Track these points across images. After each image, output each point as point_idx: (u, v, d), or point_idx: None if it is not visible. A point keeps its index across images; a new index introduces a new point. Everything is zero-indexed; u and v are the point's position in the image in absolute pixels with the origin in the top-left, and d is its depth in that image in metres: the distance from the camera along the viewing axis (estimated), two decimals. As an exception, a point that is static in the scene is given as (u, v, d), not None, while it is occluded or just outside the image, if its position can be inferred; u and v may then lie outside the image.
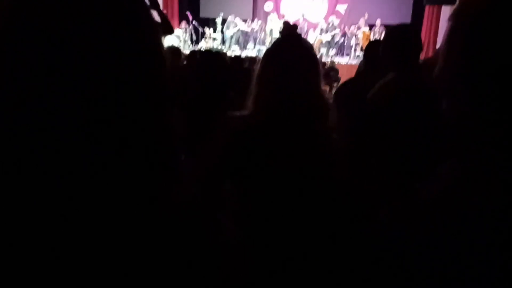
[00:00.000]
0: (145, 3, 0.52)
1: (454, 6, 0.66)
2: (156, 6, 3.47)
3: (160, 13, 3.46)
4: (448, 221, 0.63)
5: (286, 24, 1.28)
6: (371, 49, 2.65)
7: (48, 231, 0.43)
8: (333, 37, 13.83)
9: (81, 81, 0.43)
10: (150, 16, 0.52)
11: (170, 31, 3.53)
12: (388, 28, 2.37)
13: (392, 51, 2.16)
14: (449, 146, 0.69)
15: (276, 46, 1.30)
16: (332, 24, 13.95)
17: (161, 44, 0.53)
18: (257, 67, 1.33)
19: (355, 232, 1.12)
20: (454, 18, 0.63)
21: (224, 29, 14.85)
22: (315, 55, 1.29)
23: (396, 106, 1.86)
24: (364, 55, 2.77)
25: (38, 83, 0.42)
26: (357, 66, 4.06)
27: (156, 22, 0.56)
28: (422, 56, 2.58)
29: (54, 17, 0.43)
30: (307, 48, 1.28)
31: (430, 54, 9.85)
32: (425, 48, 8.13)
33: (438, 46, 11.08)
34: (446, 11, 12.15)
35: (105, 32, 0.45)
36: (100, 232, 0.45)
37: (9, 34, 0.43)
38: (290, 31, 1.28)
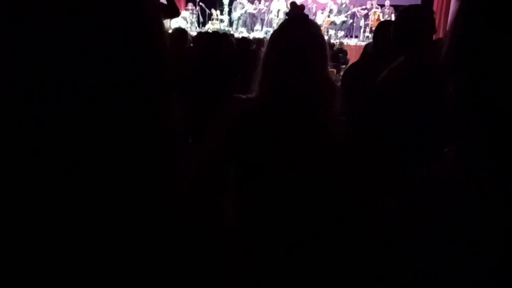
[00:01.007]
0: None
1: None
2: (162, -13, 3.43)
3: (166, -6, 3.42)
4: (449, 207, 0.63)
5: (293, 4, 1.26)
6: (381, 30, 2.60)
7: (48, 230, 0.43)
8: (345, 18, 13.64)
9: (79, 71, 0.43)
10: (151, 2, 0.51)
11: (177, 13, 3.49)
12: (401, 9, 2.30)
13: (404, 33, 2.10)
14: (451, 131, 0.68)
15: (282, 28, 1.27)
16: (346, 5, 13.72)
17: (162, 32, 0.52)
18: (263, 48, 1.31)
19: (358, 219, 1.12)
20: None
21: (231, 11, 14.68)
22: (322, 37, 1.27)
23: (404, 90, 1.83)
24: (374, 36, 2.71)
25: (34, 77, 0.41)
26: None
27: (159, 4, 0.55)
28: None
29: (50, 5, 0.42)
30: (314, 30, 1.26)
31: (441, 35, 9.67)
32: (435, 29, 7.95)
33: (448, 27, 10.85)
34: (457, -10, 11.85)
35: (104, 21, 0.44)
36: (103, 225, 0.45)
37: (8, 33, 0.42)
38: (297, 12, 1.25)
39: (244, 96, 1.28)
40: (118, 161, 0.46)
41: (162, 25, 0.53)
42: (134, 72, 0.47)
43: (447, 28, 0.76)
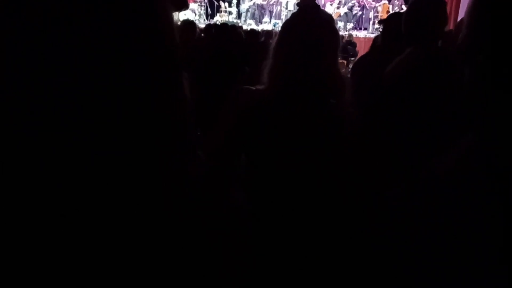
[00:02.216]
0: None
1: None
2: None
3: (175, -14, 3.41)
4: (462, 198, 0.63)
5: (303, -7, 1.25)
6: (391, 21, 2.57)
7: (52, 229, 0.43)
8: (351, 10, 13.50)
9: (88, 64, 0.43)
10: None
11: (186, 6, 3.48)
12: (412, 0, 2.27)
13: (416, 24, 2.08)
14: (466, 120, 0.68)
15: (294, 18, 1.27)
16: (350, -4, 13.62)
17: (172, 24, 0.52)
18: (273, 41, 1.31)
19: (367, 209, 1.12)
20: None
21: (239, 3, 14.61)
22: (334, 27, 1.26)
23: (413, 80, 1.82)
24: (383, 28, 2.68)
25: (38, 73, 0.42)
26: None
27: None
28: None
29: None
30: (326, 20, 1.25)
31: (452, 26, 9.54)
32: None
33: (460, 18, 10.72)
34: (469, -18, 11.66)
35: (112, 11, 0.44)
36: (109, 218, 0.45)
37: (9, 32, 0.42)
38: (308, 3, 1.25)
39: (253, 88, 1.28)
40: (128, 151, 0.46)
41: (171, 17, 0.53)
42: (145, 64, 0.47)
43: (465, 15, 0.75)
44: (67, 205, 0.43)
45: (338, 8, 13.62)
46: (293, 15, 1.28)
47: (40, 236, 0.43)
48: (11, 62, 0.42)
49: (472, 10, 0.62)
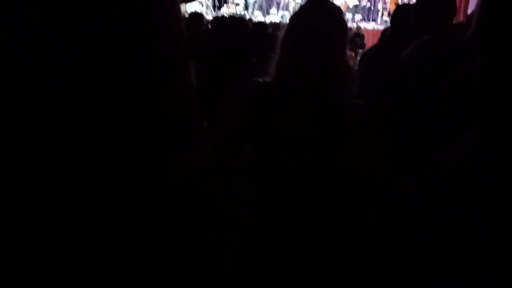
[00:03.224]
0: None
1: None
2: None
3: (182, -22, 3.41)
4: (470, 191, 0.62)
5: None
6: (400, 13, 2.55)
7: (55, 228, 0.43)
8: (360, 1, 13.38)
9: (90, 53, 0.43)
10: None
11: (193, -3, 3.48)
12: None
13: (426, 15, 2.07)
14: (477, 111, 0.67)
15: (302, 9, 1.27)
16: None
17: (179, 17, 0.52)
18: (281, 33, 1.31)
19: (375, 201, 1.12)
20: None
21: (247, -6, 14.54)
22: (342, 19, 1.26)
23: (428, 68, 1.79)
24: (392, 20, 2.66)
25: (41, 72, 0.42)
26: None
27: None
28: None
29: None
30: (335, 12, 1.25)
31: (461, 19, 9.42)
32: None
33: (469, 11, 10.58)
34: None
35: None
36: (111, 212, 0.45)
37: (9, 32, 0.42)
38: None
39: (261, 79, 1.28)
40: (130, 148, 0.46)
41: (178, 8, 0.53)
42: (150, 56, 0.47)
43: (475, 8, 0.74)
44: (67, 204, 0.43)
45: (346, 1, 13.49)
46: (302, 7, 1.28)
47: (40, 235, 0.42)
48: (11, 62, 0.42)
49: (482, 3, 0.62)
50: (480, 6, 0.62)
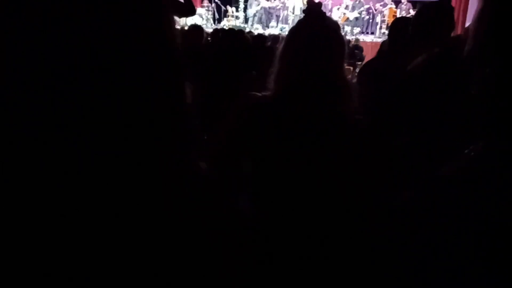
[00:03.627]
0: None
1: None
2: (180, -13, 3.45)
3: (184, -6, 3.44)
4: (470, 202, 0.62)
5: (310, 1, 1.26)
6: (397, 26, 2.57)
7: (56, 229, 0.43)
8: (360, 13, 13.51)
9: (88, 64, 0.43)
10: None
11: (193, 12, 3.51)
12: (422, 5, 2.29)
13: (425, 28, 2.09)
14: (476, 127, 0.68)
15: (299, 25, 1.28)
16: (360, 1, 13.59)
17: (172, 28, 0.52)
18: (280, 45, 1.31)
19: (374, 214, 1.12)
20: None
21: (246, 7, 14.68)
22: (340, 35, 1.27)
23: (438, 79, 1.77)
24: (389, 33, 2.68)
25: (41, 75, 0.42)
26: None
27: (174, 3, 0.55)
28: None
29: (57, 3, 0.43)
30: (332, 27, 1.26)
31: (459, 31, 9.49)
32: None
33: (467, 23, 10.68)
34: (477, -14, 11.63)
35: (109, 17, 0.45)
36: (111, 220, 0.45)
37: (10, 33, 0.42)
38: (314, 10, 1.25)
39: (259, 94, 1.29)
40: (128, 154, 0.46)
41: (172, 21, 0.53)
42: (146, 69, 0.47)
43: (472, 24, 0.74)
44: (68, 204, 0.43)
45: (344, 13, 13.62)
46: (299, 21, 1.29)
47: (40, 235, 0.43)
48: (12, 62, 0.42)
49: (478, 22, 0.62)
50: (475, 27, 0.63)
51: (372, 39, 12.58)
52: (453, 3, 12.25)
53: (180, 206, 0.50)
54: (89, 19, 0.43)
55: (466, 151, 0.70)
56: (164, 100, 0.50)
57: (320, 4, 1.30)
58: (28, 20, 0.42)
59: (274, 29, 13.66)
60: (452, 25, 2.17)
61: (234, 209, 0.59)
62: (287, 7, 14.26)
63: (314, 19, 1.25)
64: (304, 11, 1.27)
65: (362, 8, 13.48)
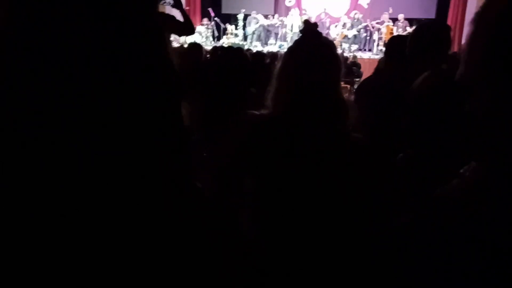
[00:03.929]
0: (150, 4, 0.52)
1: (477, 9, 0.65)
2: (179, 6, 3.51)
3: (183, 13, 3.49)
4: (468, 224, 0.63)
5: (306, 22, 1.29)
6: (393, 44, 2.60)
7: (53, 229, 0.43)
8: (359, 32, 13.65)
9: (85, 80, 0.43)
10: (153, 16, 0.52)
11: (192, 31, 3.56)
12: (420, 24, 2.33)
13: (423, 47, 2.12)
14: (472, 148, 0.68)
15: (296, 45, 1.30)
16: (358, 19, 13.76)
17: (165, 44, 0.53)
18: (276, 65, 1.33)
19: (372, 233, 1.12)
20: (475, 22, 0.63)
21: (245, 25, 14.85)
22: (336, 54, 1.29)
23: (444, 98, 1.76)
24: (386, 51, 2.71)
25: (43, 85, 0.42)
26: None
27: (165, 21, 0.56)
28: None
29: (55, 19, 0.43)
30: (328, 47, 1.28)
31: (455, 49, 9.58)
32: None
33: (463, 41, 10.78)
34: (472, 4, 11.82)
35: (107, 34, 0.45)
36: (113, 222, 0.45)
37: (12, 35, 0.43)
38: (310, 30, 1.28)
39: (258, 112, 1.30)
40: (134, 172, 0.47)
41: (166, 40, 0.54)
42: (142, 90, 0.48)
43: (463, 48, 0.75)
44: (68, 204, 0.43)
45: (343, 29, 13.77)
46: (296, 42, 1.31)
47: (40, 235, 0.43)
48: (12, 63, 0.42)
49: (469, 46, 0.63)
50: (467, 50, 0.64)
51: (370, 56, 12.69)
52: (449, 21, 12.37)
53: (177, 226, 0.50)
54: (84, 46, 0.44)
55: (461, 170, 0.71)
56: (160, 122, 0.50)
57: (316, 24, 1.32)
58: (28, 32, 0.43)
59: (272, 47, 13.79)
60: (449, 43, 2.20)
61: (234, 228, 0.60)
62: (286, 25, 14.42)
63: (311, 39, 1.27)
64: (301, 31, 1.30)
65: (360, 26, 13.63)
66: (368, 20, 13.93)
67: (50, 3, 0.43)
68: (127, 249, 0.46)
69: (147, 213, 0.48)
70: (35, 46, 0.42)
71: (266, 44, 14.53)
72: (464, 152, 0.73)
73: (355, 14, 14.02)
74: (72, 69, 0.44)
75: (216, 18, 14.73)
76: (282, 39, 14.36)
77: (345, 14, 14.61)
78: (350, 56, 11.17)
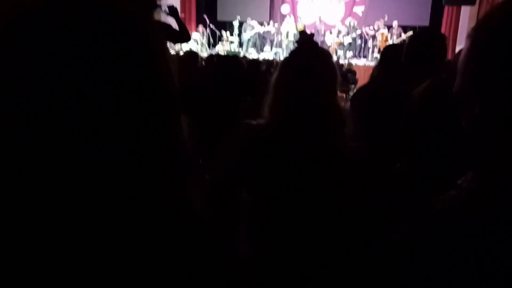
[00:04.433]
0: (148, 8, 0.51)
1: (473, 25, 0.66)
2: (175, 14, 3.52)
3: (178, 21, 3.50)
4: (464, 234, 0.63)
5: (302, 33, 1.29)
6: (388, 53, 2.62)
7: (50, 235, 0.43)
8: (354, 39, 13.74)
9: (81, 85, 0.43)
10: (151, 22, 0.52)
11: (188, 38, 3.57)
12: (416, 33, 2.35)
13: (419, 55, 2.13)
14: (468, 158, 0.68)
15: (292, 55, 1.30)
16: (354, 26, 13.86)
17: (164, 48, 0.53)
18: (274, 71, 1.33)
19: (371, 245, 1.11)
20: (472, 37, 0.63)
21: (241, 32, 14.92)
22: (332, 64, 1.29)
23: (446, 107, 1.75)
24: (381, 60, 2.73)
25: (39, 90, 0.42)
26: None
27: (169, 30, 0.55)
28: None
29: (53, 25, 0.43)
30: (324, 57, 1.28)
31: (450, 56, 9.65)
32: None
33: (457, 48, 10.87)
34: (465, 12, 11.94)
35: (102, 40, 0.45)
36: (106, 237, 0.45)
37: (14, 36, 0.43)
38: (306, 40, 1.28)
39: (254, 122, 1.30)
40: (130, 182, 0.47)
41: (166, 50, 0.54)
42: (141, 95, 0.48)
43: (459, 62, 0.75)
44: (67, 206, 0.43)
45: (337, 36, 13.85)
46: (291, 52, 1.31)
47: (40, 236, 0.42)
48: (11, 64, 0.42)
49: (465, 61, 0.64)
50: (463, 64, 0.64)
51: (365, 63, 12.77)
52: (443, 29, 12.48)
53: (175, 244, 0.50)
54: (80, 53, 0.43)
55: (459, 181, 0.70)
56: (161, 136, 0.50)
57: (312, 34, 1.33)
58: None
59: (268, 53, 13.85)
60: (445, 51, 2.22)
61: (229, 247, 0.59)
62: (281, 32, 14.50)
63: (306, 49, 1.27)
64: (297, 41, 1.30)
65: (354, 34, 13.73)
66: (363, 27, 14.03)
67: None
68: (118, 267, 0.46)
69: (140, 227, 0.48)
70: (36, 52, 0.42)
71: (262, 51, 14.59)
72: (461, 162, 0.74)
73: (350, 21, 14.12)
74: (70, 73, 0.43)
75: (211, 25, 14.78)
76: (278, 46, 14.43)
77: (340, 21, 14.71)
78: (345, 63, 11.24)
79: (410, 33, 10.04)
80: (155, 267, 0.48)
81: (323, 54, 1.29)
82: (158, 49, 0.51)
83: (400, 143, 1.62)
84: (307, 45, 1.27)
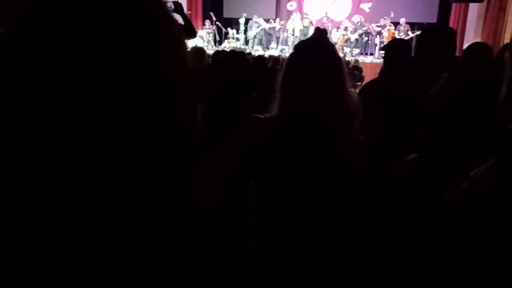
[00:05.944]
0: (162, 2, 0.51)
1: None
2: (180, 10, 3.52)
3: (184, 17, 3.50)
4: (477, 226, 0.62)
5: (317, 29, 1.28)
6: (393, 48, 2.59)
7: (52, 235, 0.43)
8: (361, 35, 13.69)
9: (91, 78, 0.43)
10: (167, 14, 0.51)
11: (194, 34, 3.58)
12: (426, 28, 2.34)
13: (431, 50, 2.12)
14: (492, 148, 0.68)
15: (298, 50, 1.29)
16: (360, 23, 13.79)
17: (181, 41, 0.52)
18: (280, 67, 1.33)
19: (378, 238, 1.11)
20: None
21: (247, 29, 14.90)
22: (339, 58, 1.28)
23: (467, 102, 1.73)
24: (385, 55, 2.69)
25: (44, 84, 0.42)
26: (381, 66, 3.97)
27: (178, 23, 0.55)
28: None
29: (60, 18, 0.43)
30: (330, 52, 1.27)
31: (457, 52, 9.57)
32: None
33: (465, 45, 10.79)
34: (473, 9, 11.84)
35: (115, 31, 0.44)
36: (111, 235, 0.44)
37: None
38: (320, 36, 1.27)
39: (262, 116, 1.29)
40: (142, 172, 0.46)
41: (184, 46, 0.53)
42: (157, 96, 0.47)
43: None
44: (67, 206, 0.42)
45: (344, 34, 13.80)
46: (297, 47, 1.30)
47: (40, 237, 0.42)
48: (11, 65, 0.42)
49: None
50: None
51: (371, 60, 12.72)
52: (451, 25, 12.41)
53: (184, 235, 0.50)
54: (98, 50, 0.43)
55: (471, 173, 0.70)
56: (176, 127, 0.50)
57: (325, 31, 1.32)
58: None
59: (274, 51, 13.82)
60: (455, 47, 2.22)
61: (237, 237, 0.58)
62: (287, 29, 14.46)
63: (313, 44, 1.26)
64: (309, 38, 1.29)
65: (361, 31, 13.66)
66: (368, 24, 13.96)
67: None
68: (123, 264, 0.45)
69: (146, 223, 0.47)
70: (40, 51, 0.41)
71: (268, 48, 14.57)
72: (480, 154, 0.73)
73: (357, 18, 14.05)
74: (81, 66, 0.43)
75: (217, 22, 14.78)
76: (284, 43, 14.40)
77: (347, 18, 14.65)
78: (352, 60, 11.19)
79: (418, 32, 9.99)
80: (165, 258, 0.47)
81: (329, 49, 1.28)
82: (174, 41, 0.51)
83: (418, 137, 1.60)
84: (312, 40, 1.27)
